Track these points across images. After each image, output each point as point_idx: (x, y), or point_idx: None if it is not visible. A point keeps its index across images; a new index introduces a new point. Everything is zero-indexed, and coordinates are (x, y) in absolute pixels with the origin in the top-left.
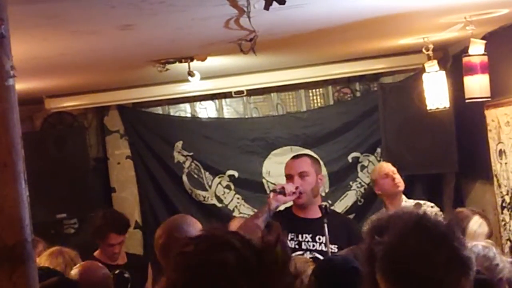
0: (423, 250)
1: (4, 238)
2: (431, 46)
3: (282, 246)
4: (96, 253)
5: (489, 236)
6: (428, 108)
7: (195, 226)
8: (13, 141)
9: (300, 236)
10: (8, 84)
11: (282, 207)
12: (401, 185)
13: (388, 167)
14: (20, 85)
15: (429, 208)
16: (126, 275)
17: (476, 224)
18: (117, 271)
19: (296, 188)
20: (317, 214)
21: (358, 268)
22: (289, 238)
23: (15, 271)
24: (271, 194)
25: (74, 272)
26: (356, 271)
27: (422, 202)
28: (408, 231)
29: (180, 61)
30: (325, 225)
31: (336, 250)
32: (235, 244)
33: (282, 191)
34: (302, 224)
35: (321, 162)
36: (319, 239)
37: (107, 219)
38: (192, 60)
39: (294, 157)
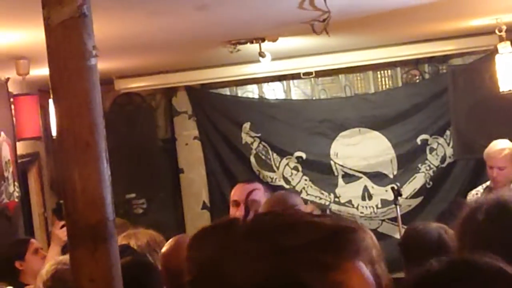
0: None
1: (87, 217)
2: (504, 27)
3: None
4: None
5: None
6: (500, 90)
7: (297, 202)
8: (95, 121)
9: None
10: (90, 63)
11: None
12: (498, 184)
13: (496, 161)
14: None
15: None
16: None
17: None
18: None
19: None
20: None
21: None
22: None
23: (97, 249)
24: None
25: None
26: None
27: None
28: None
29: (251, 42)
30: (397, 207)
31: None
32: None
33: None
34: None
35: (390, 144)
36: None
37: None
38: (263, 41)
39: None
